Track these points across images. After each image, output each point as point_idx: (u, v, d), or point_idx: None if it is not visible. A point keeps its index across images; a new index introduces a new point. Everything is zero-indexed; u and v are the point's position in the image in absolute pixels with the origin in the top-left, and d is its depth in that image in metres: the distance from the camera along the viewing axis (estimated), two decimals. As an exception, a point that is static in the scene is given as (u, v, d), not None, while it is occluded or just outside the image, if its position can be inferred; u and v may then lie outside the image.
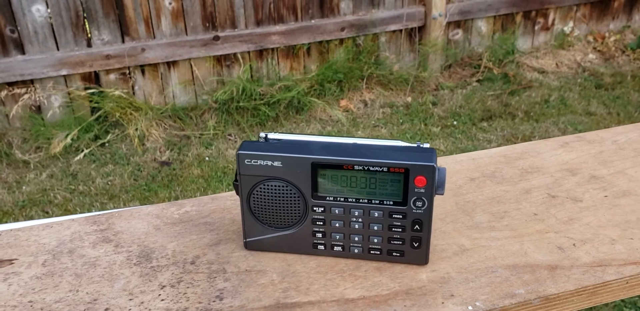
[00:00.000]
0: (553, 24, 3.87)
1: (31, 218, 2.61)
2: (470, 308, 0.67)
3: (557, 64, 3.75)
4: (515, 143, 2.99)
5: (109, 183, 2.83)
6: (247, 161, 0.71)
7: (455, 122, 3.23)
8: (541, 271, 0.72)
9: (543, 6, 3.76)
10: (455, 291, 0.69)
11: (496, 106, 3.36)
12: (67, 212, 2.65)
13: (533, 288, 0.70)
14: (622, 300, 2.00)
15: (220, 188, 2.78)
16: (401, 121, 3.26)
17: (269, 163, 0.70)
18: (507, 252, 0.76)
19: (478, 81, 3.61)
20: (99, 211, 2.66)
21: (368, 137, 0.73)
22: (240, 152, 0.70)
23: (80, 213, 2.65)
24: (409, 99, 3.45)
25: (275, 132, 0.73)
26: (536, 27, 3.84)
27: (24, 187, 2.78)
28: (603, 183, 0.89)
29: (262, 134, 0.73)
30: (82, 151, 3.00)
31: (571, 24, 3.88)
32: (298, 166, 0.70)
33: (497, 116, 3.28)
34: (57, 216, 2.63)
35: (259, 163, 0.71)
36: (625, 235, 0.78)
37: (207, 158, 3.00)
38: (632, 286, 0.73)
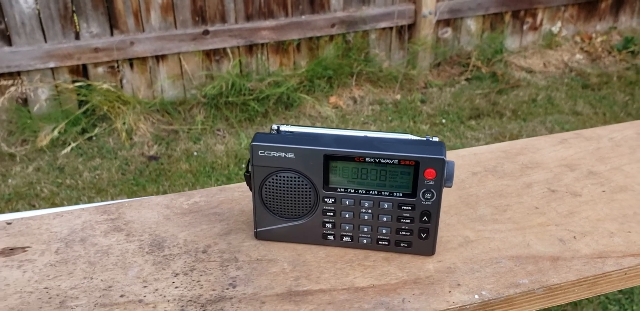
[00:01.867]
0: (541, 24, 3.92)
1: (18, 212, 2.59)
2: (476, 296, 0.69)
3: (544, 63, 3.81)
4: (502, 142, 3.02)
5: (97, 176, 2.82)
6: (261, 153, 0.72)
7: (443, 121, 3.26)
8: (544, 262, 0.74)
9: (532, 6, 3.80)
10: (462, 281, 0.71)
11: (484, 105, 3.40)
12: (54, 206, 2.63)
13: (536, 278, 0.72)
14: (607, 297, 2.05)
15: (209, 184, 2.78)
16: (390, 118, 3.29)
17: (282, 154, 0.72)
18: (510, 244, 0.78)
19: (467, 79, 3.65)
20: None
21: (378, 131, 0.75)
22: (254, 143, 0.72)
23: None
24: (398, 96, 3.47)
25: (287, 125, 0.75)
26: (524, 27, 3.89)
27: (9, 180, 2.76)
28: (601, 178, 0.92)
29: (275, 127, 0.74)
30: (69, 144, 2.98)
31: (559, 24, 3.94)
32: (310, 157, 0.71)
33: (485, 114, 3.32)
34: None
35: (272, 154, 0.72)
36: (623, 228, 0.81)
37: (195, 153, 2.99)
38: (630, 277, 0.75)
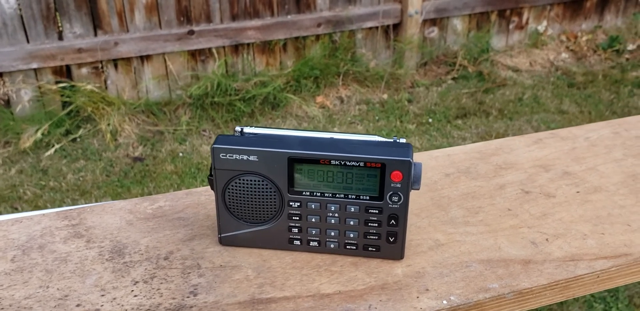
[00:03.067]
0: (527, 23, 3.92)
1: None
2: (444, 302, 0.67)
3: (530, 62, 3.80)
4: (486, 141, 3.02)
5: (81, 178, 2.78)
6: (222, 155, 0.70)
7: (430, 120, 3.25)
8: (515, 266, 0.73)
9: (517, 5, 3.80)
10: (430, 286, 0.69)
11: (471, 104, 3.39)
12: (37, 208, 2.60)
13: (507, 283, 0.70)
14: (592, 295, 2.04)
15: (194, 185, 2.76)
16: (377, 118, 3.27)
17: (245, 157, 0.70)
18: (482, 247, 0.76)
19: (453, 78, 3.64)
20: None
21: (345, 132, 0.73)
22: (215, 146, 0.70)
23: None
24: (385, 96, 3.46)
25: (251, 127, 0.73)
26: (510, 26, 3.88)
27: (-8, 182, 2.72)
28: (575, 179, 0.91)
29: (238, 128, 0.72)
30: (53, 146, 2.94)
31: (545, 23, 3.93)
32: (274, 160, 0.70)
33: (472, 113, 3.31)
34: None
35: (234, 157, 0.70)
36: (596, 230, 0.79)
37: (180, 154, 2.97)
38: (602, 280, 0.74)
